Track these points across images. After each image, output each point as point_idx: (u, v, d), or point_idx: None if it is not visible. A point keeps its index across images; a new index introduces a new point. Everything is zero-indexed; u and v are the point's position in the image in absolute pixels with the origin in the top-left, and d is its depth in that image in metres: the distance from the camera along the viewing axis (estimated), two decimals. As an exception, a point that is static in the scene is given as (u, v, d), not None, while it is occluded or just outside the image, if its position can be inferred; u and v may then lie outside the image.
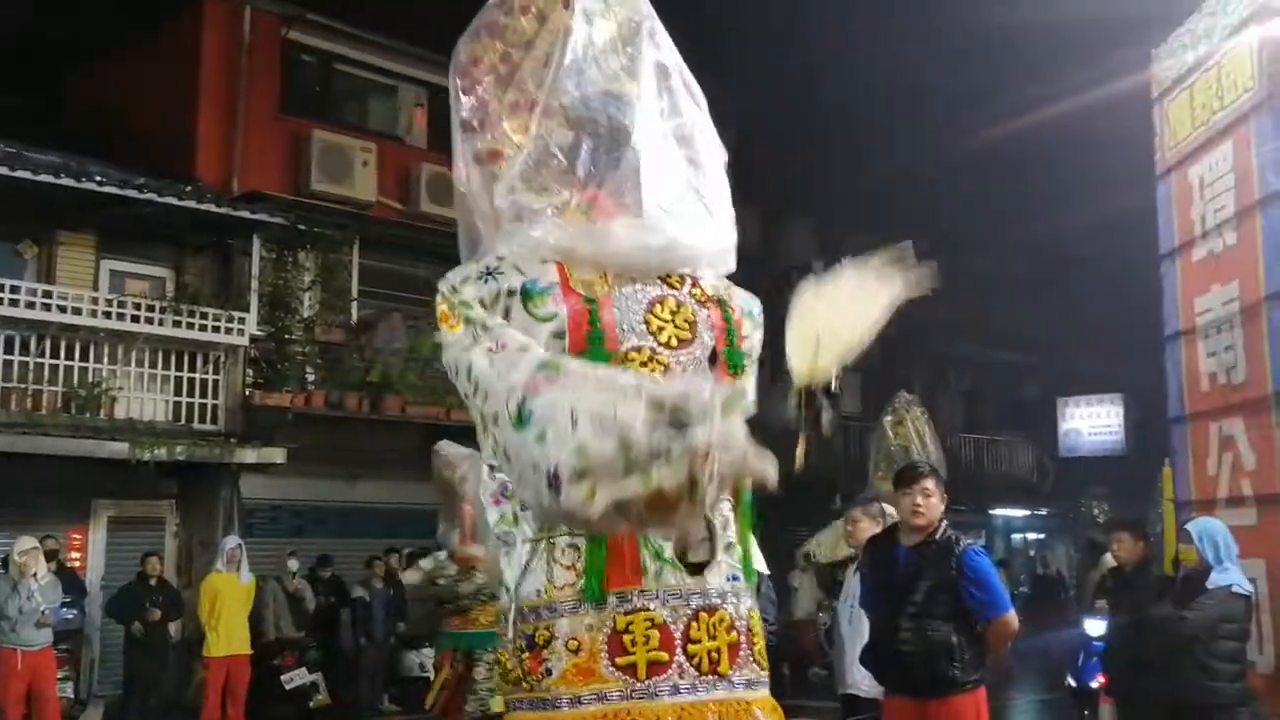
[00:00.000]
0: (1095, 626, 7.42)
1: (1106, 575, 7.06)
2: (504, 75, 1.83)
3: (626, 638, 1.60)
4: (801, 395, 1.80)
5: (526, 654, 1.64)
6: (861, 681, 5.63)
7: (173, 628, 10.12)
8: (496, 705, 5.32)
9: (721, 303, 1.82)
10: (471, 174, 1.84)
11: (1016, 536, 23.87)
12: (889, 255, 1.85)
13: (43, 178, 10.51)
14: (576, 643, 1.61)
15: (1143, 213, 7.12)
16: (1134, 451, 19.17)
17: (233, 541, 9.76)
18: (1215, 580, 4.49)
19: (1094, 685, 7.01)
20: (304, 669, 10.47)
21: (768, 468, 1.43)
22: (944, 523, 4.19)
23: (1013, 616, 4.16)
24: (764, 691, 1.71)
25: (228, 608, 9.24)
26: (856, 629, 5.36)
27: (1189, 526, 4.81)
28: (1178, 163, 6.41)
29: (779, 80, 14.72)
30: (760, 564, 1.93)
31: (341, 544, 12.16)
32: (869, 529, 5.02)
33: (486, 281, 1.70)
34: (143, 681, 9.75)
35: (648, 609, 1.62)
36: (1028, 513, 23.17)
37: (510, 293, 1.69)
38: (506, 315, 1.68)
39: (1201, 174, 6.12)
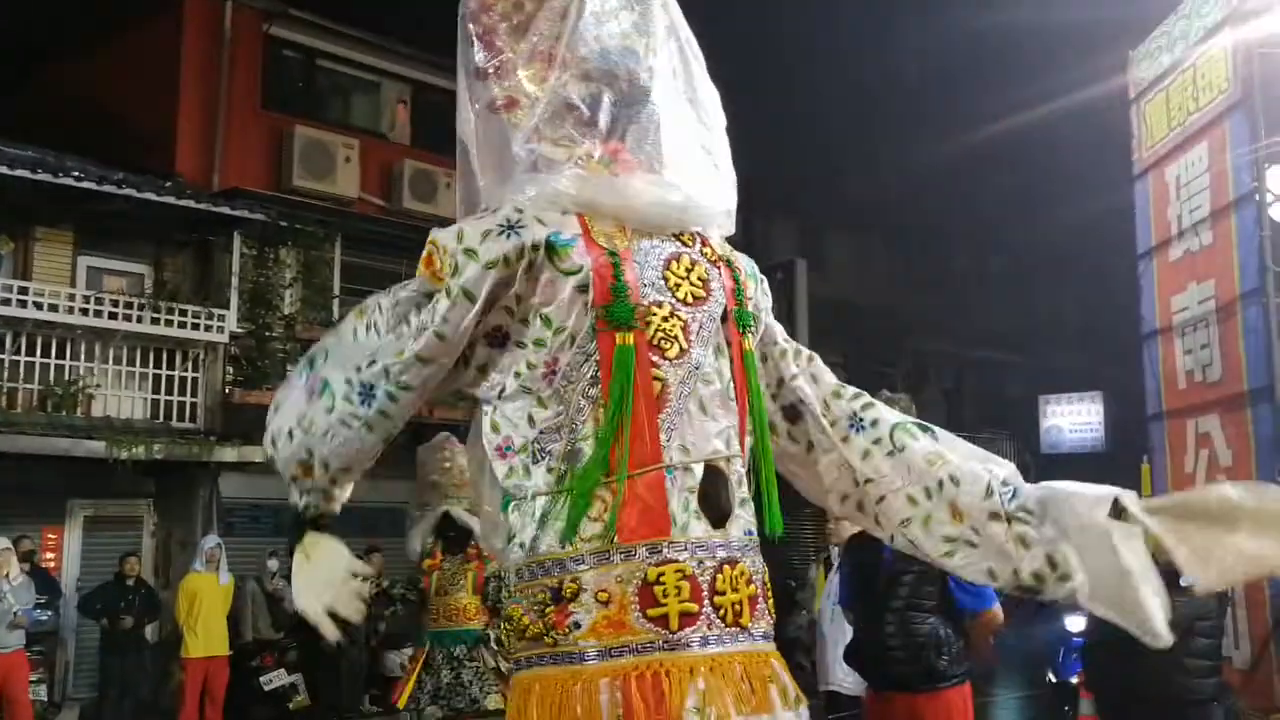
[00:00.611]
0: (1075, 622, 7.48)
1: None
2: (518, 24, 1.82)
3: (658, 589, 1.60)
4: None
5: (551, 608, 1.61)
6: (844, 679, 5.65)
7: (150, 629, 10.02)
8: (493, 703, 5.25)
9: (729, 262, 1.84)
10: (482, 123, 1.83)
11: (998, 534, 24.00)
12: None
13: (20, 172, 10.39)
14: (606, 594, 1.60)
15: (1121, 212, 7.18)
16: (1114, 448, 19.31)
17: (211, 541, 9.69)
18: (1188, 578, 4.53)
19: (1074, 680, 7.06)
20: (283, 670, 10.38)
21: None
22: None
23: (998, 610, 4.18)
24: (773, 644, 1.74)
25: (206, 608, 9.16)
26: (839, 627, 5.38)
27: (1164, 524, 4.85)
28: (1154, 163, 6.48)
29: (764, 80, 14.74)
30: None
31: (322, 543, 12.06)
32: (850, 527, 5.03)
33: (509, 236, 1.68)
34: (119, 684, 9.63)
35: (677, 560, 1.62)
36: (1009, 510, 23.29)
37: (535, 246, 1.68)
38: (530, 269, 1.68)
39: (1178, 174, 6.18)
